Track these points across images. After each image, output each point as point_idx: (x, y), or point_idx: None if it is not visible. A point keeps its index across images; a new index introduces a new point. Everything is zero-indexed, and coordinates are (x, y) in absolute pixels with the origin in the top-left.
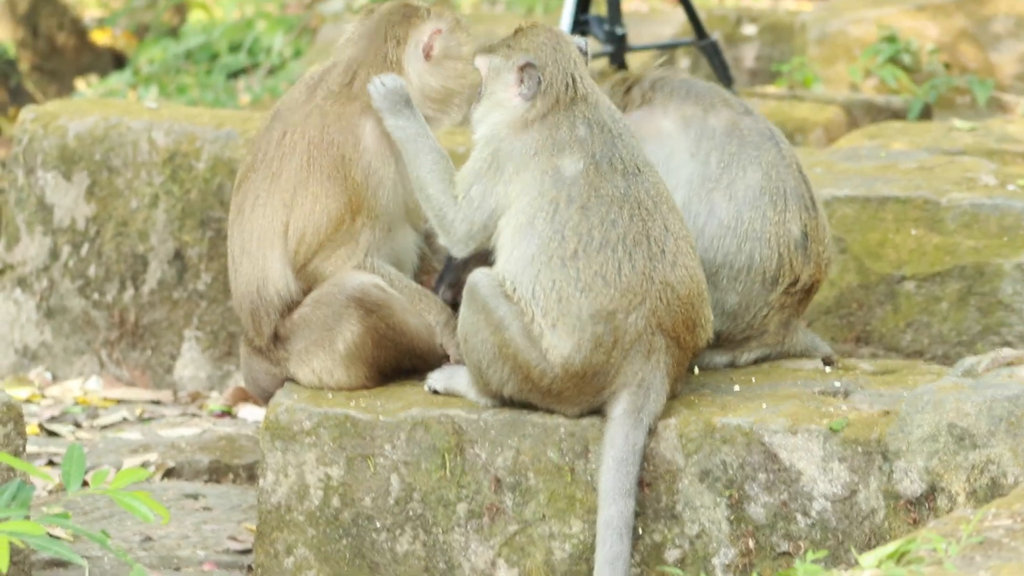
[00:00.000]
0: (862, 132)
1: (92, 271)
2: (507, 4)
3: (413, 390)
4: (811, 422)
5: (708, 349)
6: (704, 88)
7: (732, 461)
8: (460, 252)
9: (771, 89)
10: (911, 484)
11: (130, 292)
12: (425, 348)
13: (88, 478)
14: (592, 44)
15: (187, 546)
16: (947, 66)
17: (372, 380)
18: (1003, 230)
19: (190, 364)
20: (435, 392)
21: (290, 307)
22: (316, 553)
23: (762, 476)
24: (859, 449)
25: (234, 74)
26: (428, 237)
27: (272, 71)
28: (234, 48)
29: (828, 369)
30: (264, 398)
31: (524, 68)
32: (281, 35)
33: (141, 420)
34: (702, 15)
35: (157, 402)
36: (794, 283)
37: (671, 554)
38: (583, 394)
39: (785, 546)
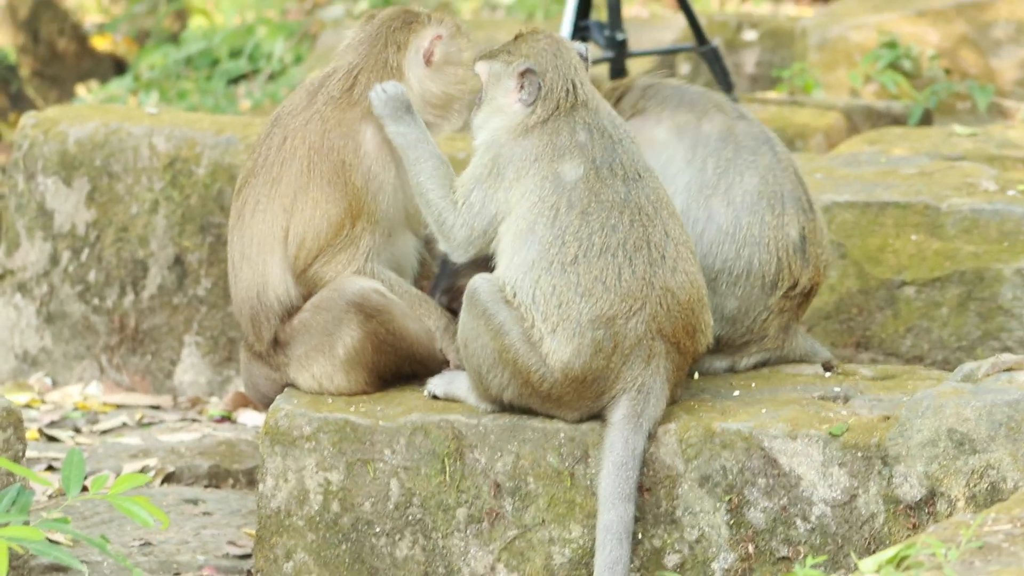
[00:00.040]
0: (862, 138)
1: (92, 276)
2: (507, 10)
3: (413, 395)
4: (811, 427)
5: (708, 354)
6: (696, 94)
7: (732, 466)
8: (460, 257)
9: (772, 95)
10: (911, 489)
11: (130, 297)
12: (425, 353)
13: (88, 483)
14: (592, 50)
15: (187, 551)
16: (947, 72)
17: (372, 385)
18: (1003, 235)
19: (190, 369)
20: (435, 397)
21: (290, 312)
22: (316, 558)
23: (762, 481)
24: (859, 454)
25: (234, 80)
26: (428, 242)
27: (272, 77)
28: (235, 54)
29: (828, 374)
30: (264, 403)
31: (524, 74)
32: (282, 41)
33: (141, 425)
34: (703, 21)
35: (157, 407)
36: (793, 287)
37: (671, 559)
38: (583, 399)
39: (785, 551)
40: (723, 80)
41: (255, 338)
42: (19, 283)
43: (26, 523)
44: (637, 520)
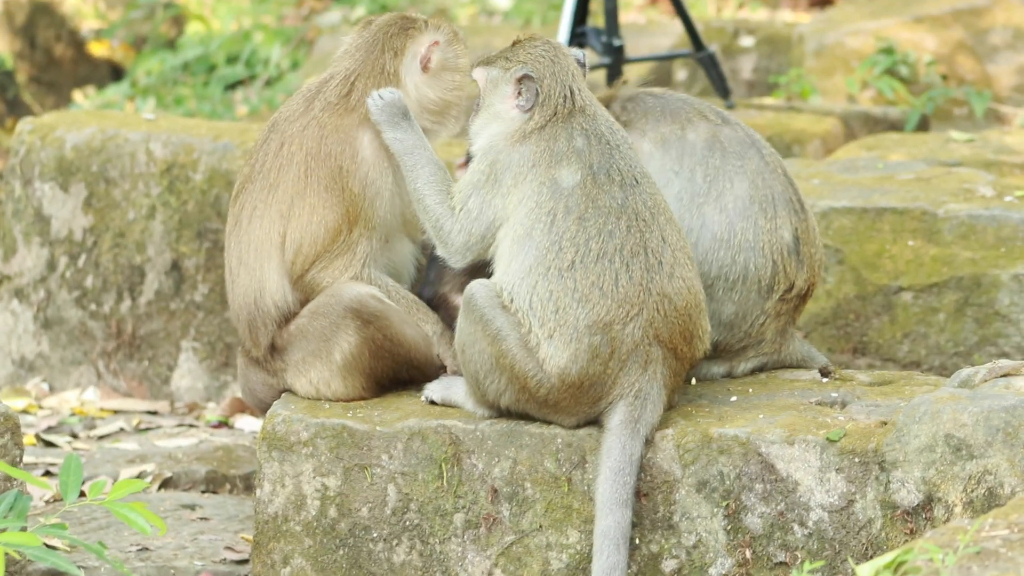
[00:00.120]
0: (859, 143)
1: (89, 282)
2: (504, 16)
3: (410, 401)
4: (808, 433)
5: (705, 359)
6: (678, 103)
7: (729, 471)
8: (458, 263)
9: (769, 101)
10: (908, 494)
11: (127, 303)
12: (422, 359)
13: (85, 488)
14: (590, 56)
15: (184, 556)
16: (944, 78)
17: (369, 391)
18: (1000, 241)
19: (187, 375)
20: (432, 403)
21: (287, 318)
22: (313, 563)
23: (759, 486)
24: (856, 459)
25: (231, 86)
26: (425, 248)
27: (269, 83)
28: (231, 60)
29: (825, 380)
30: (261, 409)
31: (522, 80)
32: (278, 47)
33: (138, 431)
34: (700, 27)
35: (154, 413)
36: (789, 289)
37: (668, 564)
38: (580, 405)
39: (782, 556)
40: (720, 86)
41: (252, 344)
42: (16, 289)
43: (23, 528)
44: (634, 525)
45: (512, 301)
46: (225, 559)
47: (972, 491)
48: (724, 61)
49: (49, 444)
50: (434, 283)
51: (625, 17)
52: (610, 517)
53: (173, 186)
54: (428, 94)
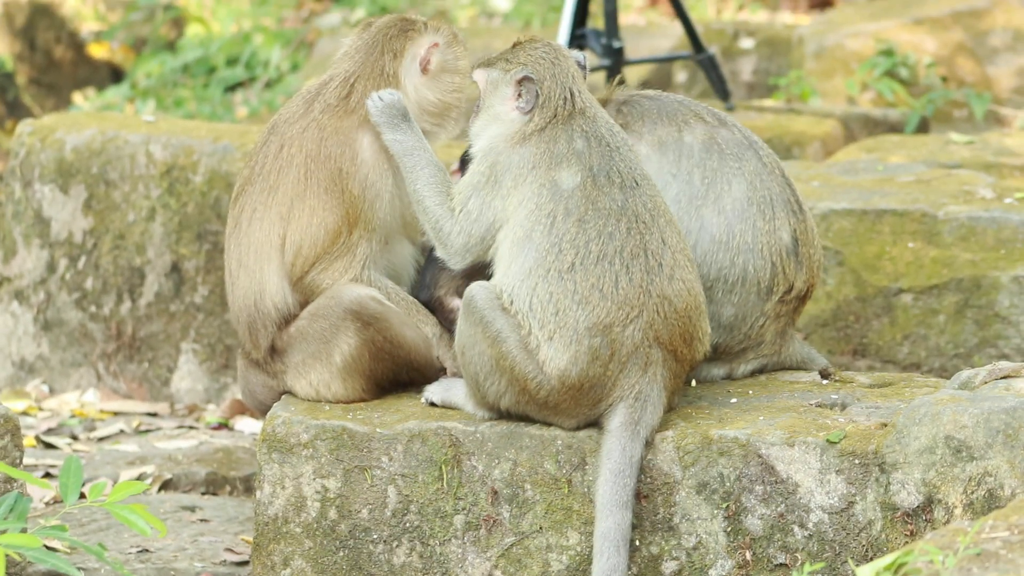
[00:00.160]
0: (859, 145)
1: (89, 284)
2: (504, 18)
3: (410, 402)
4: (808, 434)
5: (705, 361)
6: (674, 104)
7: (729, 473)
8: (457, 265)
9: (768, 103)
10: (908, 496)
11: (127, 305)
12: (422, 360)
13: (85, 490)
14: (589, 58)
15: (184, 558)
16: (944, 79)
17: (369, 393)
18: (1000, 243)
19: (187, 376)
20: (432, 404)
21: (287, 320)
22: (313, 565)
23: (759, 488)
24: (856, 461)
25: (231, 88)
26: (424, 251)
27: (269, 84)
28: (231, 62)
29: (825, 382)
30: (261, 411)
31: (522, 81)
32: (278, 49)
33: (138, 432)
34: (699, 29)
35: (154, 414)
36: (788, 291)
37: (668, 566)
38: (580, 406)
39: (782, 558)
40: (720, 88)
41: (252, 346)
42: (16, 290)
43: (24, 530)
44: (634, 527)
45: (512, 303)
46: (225, 561)
47: (972, 493)
48: (724, 63)
49: (49, 446)
50: (430, 286)
51: (625, 19)
52: (610, 519)
53: (173, 188)
54: (427, 96)
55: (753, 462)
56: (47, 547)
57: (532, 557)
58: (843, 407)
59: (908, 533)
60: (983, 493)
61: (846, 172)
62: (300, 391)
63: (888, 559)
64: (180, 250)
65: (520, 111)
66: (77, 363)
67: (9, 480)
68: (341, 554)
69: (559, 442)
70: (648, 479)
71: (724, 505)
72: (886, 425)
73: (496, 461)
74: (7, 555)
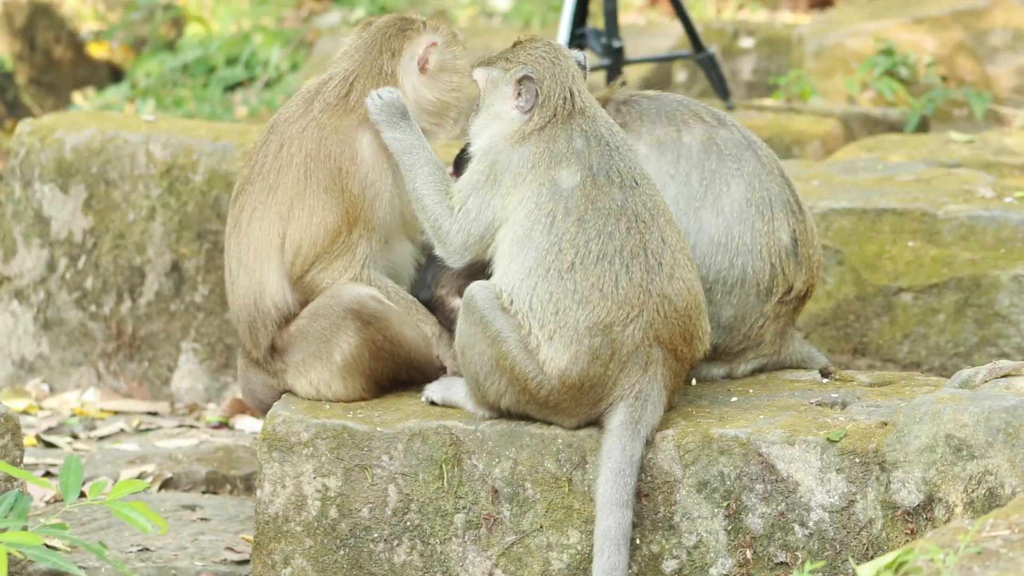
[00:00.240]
0: (859, 145)
1: (89, 283)
2: (504, 18)
3: (411, 401)
4: (808, 433)
5: (705, 361)
6: (673, 104)
7: (730, 472)
8: (456, 263)
9: (768, 102)
10: (909, 495)
11: (127, 304)
12: (422, 360)
13: (85, 489)
14: (589, 57)
15: (184, 557)
16: (944, 79)
17: (369, 392)
18: (1000, 242)
19: (187, 376)
20: (432, 403)
21: (287, 319)
22: (313, 564)
23: (760, 487)
24: (856, 460)
25: (231, 87)
26: (424, 250)
27: (269, 84)
28: (231, 61)
29: (825, 380)
30: (261, 410)
31: (522, 81)
32: (278, 48)
33: (138, 431)
34: (699, 28)
35: (154, 413)
36: (788, 291)
37: (669, 565)
38: (580, 406)
39: (783, 556)
40: (720, 87)
41: (252, 345)
42: (16, 290)
43: (24, 528)
44: (635, 526)
45: (512, 303)
46: (226, 559)
47: (973, 491)
48: (724, 62)
49: (49, 445)
50: (430, 286)
51: (625, 18)
52: (611, 517)
53: (173, 187)
54: (426, 95)
55: (754, 461)
56: (48, 545)
57: (533, 556)
58: (843, 406)
59: (909, 532)
60: (984, 492)
61: (846, 171)
62: (300, 390)
63: (889, 558)
64: (180, 249)
65: (520, 110)
66: (77, 362)
67: (10, 479)
68: (342, 553)
69: (559, 441)
70: (648, 478)
71: (725, 504)
72: (886, 424)
73: (497, 460)
74: (8, 553)
